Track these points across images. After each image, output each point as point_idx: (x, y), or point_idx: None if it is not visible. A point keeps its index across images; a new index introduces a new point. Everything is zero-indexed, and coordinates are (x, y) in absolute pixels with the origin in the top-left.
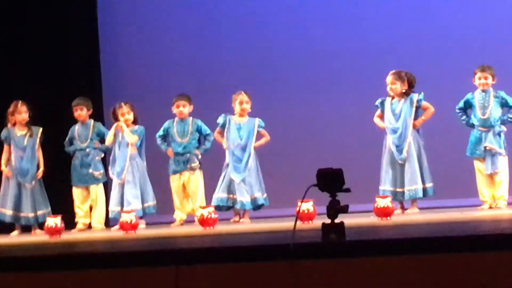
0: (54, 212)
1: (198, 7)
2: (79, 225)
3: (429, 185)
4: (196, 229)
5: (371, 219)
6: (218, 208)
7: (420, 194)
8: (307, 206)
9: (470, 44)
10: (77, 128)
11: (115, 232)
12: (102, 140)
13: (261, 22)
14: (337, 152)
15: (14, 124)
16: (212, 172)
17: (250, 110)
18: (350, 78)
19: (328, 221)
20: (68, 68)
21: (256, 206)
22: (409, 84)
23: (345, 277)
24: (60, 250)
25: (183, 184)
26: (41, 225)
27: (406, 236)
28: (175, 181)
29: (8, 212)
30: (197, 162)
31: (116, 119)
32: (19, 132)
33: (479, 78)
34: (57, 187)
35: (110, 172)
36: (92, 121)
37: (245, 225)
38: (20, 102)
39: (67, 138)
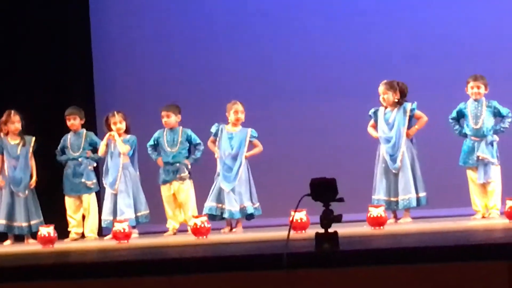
0: (47, 221)
1: (192, 16)
2: (72, 235)
3: (422, 194)
4: (189, 238)
5: (364, 229)
6: (209, 217)
7: (414, 204)
8: (300, 215)
9: (463, 53)
10: (69, 137)
11: (108, 242)
12: (94, 150)
13: (253, 32)
14: (330, 161)
15: (7, 134)
16: (205, 181)
17: (244, 120)
18: (344, 87)
19: (322, 230)
20: (61, 77)
21: (247, 216)
22: (401, 94)
23: (339, 287)
24: (53, 259)
25: (173, 194)
26: (34, 235)
27: (399, 245)
28: (165, 191)
29: (1, 221)
30: (186, 172)
31: (109, 127)
32: (12, 141)
33: (472, 87)
34: (50, 196)
35: (103, 182)
36: (84, 130)
37: (238, 234)
38: (13, 111)
39: (59, 147)
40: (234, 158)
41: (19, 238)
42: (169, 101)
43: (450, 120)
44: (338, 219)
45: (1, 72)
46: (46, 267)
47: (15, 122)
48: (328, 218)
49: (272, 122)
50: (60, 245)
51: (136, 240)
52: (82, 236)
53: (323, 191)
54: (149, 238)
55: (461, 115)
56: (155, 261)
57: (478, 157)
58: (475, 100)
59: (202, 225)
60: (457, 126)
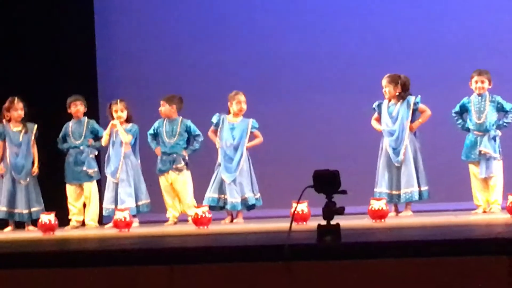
0: (48, 209)
1: (196, 5)
2: (73, 222)
3: (424, 188)
4: (189, 228)
5: (365, 221)
6: (211, 207)
7: (416, 197)
8: (302, 207)
9: (467, 47)
10: (71, 125)
11: (109, 230)
12: (96, 138)
13: (258, 23)
14: (332, 153)
15: (9, 120)
16: (205, 172)
17: (246, 110)
18: (348, 80)
19: (323, 222)
20: (64, 65)
21: (248, 207)
22: (403, 87)
23: (340, 279)
24: (53, 247)
25: (171, 184)
26: (34, 222)
27: (400, 239)
28: (163, 181)
29: (2, 208)
30: (183, 163)
31: (111, 115)
32: (14, 128)
33: (476, 82)
34: (51, 184)
35: (105, 171)
36: (86, 118)
37: (239, 225)
38: (16, 98)
39: (60, 135)
40: (236, 148)
41: (19, 225)
42: (172, 91)
43: (453, 114)
44: (341, 211)
45: (4, 60)
46: (47, 254)
47: (19, 109)
48: (330, 210)
49: (275, 113)
50: (61, 233)
51: (137, 229)
52: (83, 224)
53: (326, 183)
54: (150, 227)
55: (464, 110)
56: (155, 250)
57: (480, 151)
58: (479, 94)
59: (203, 215)
60: (460, 120)
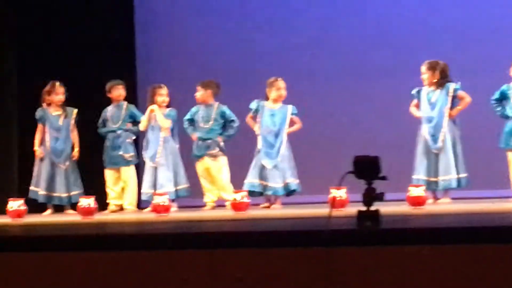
0: (87, 193)
1: None
2: (111, 207)
3: (463, 175)
4: (228, 213)
5: (404, 208)
6: (250, 193)
7: (454, 185)
8: (340, 193)
9: (508, 34)
10: (110, 109)
11: (147, 214)
12: (134, 122)
13: (297, 7)
14: (370, 140)
15: (49, 105)
16: (242, 157)
17: (285, 97)
18: (388, 65)
19: (363, 208)
20: (103, 50)
21: (289, 192)
22: (441, 74)
23: (379, 265)
24: (92, 230)
25: (207, 169)
26: (73, 206)
27: (438, 225)
28: (199, 166)
29: (41, 191)
30: (217, 149)
31: (153, 99)
32: (54, 112)
33: None
34: (91, 168)
35: (143, 155)
36: (125, 102)
37: (277, 210)
38: (58, 83)
39: (100, 120)
40: (276, 135)
41: (58, 209)
42: (209, 77)
43: (493, 102)
44: (381, 197)
45: (42, 44)
46: (85, 238)
47: (60, 93)
48: (370, 196)
49: (314, 99)
50: (99, 217)
51: (176, 213)
52: (121, 208)
53: (367, 168)
54: (188, 212)
55: (504, 97)
56: (195, 234)
57: None
58: None
59: (242, 200)
60: (499, 108)
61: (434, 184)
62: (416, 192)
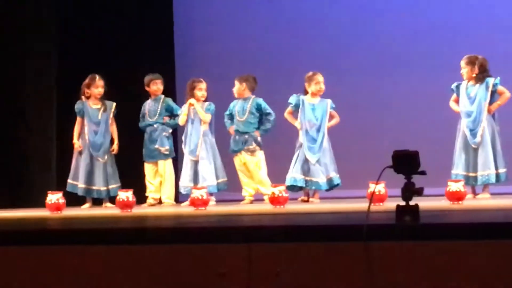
0: (125, 187)
1: None
2: (149, 200)
3: (502, 170)
4: (266, 207)
5: (443, 203)
6: (291, 188)
7: (493, 180)
8: (379, 188)
9: None
10: (148, 103)
11: (186, 208)
12: (171, 115)
13: (335, 4)
14: (410, 134)
15: (88, 98)
16: (280, 151)
17: (324, 91)
18: (427, 60)
19: (402, 203)
20: (143, 44)
21: (331, 187)
22: (480, 69)
23: (417, 260)
24: (130, 224)
25: (244, 164)
26: (111, 199)
27: (478, 221)
28: (236, 160)
29: (80, 185)
30: (254, 145)
31: (192, 92)
32: (94, 105)
33: None
34: (129, 161)
35: (182, 149)
36: (162, 96)
37: (316, 205)
38: (97, 76)
39: (140, 114)
40: (318, 129)
41: (97, 202)
42: (247, 71)
43: None
44: (420, 192)
45: (83, 38)
46: (124, 231)
47: (99, 86)
48: (409, 191)
49: (353, 94)
50: (138, 210)
51: (214, 207)
52: (159, 202)
53: (406, 163)
54: (226, 205)
55: None
56: (233, 228)
57: None
58: None
59: (280, 194)
60: None
61: (473, 179)
62: (455, 187)
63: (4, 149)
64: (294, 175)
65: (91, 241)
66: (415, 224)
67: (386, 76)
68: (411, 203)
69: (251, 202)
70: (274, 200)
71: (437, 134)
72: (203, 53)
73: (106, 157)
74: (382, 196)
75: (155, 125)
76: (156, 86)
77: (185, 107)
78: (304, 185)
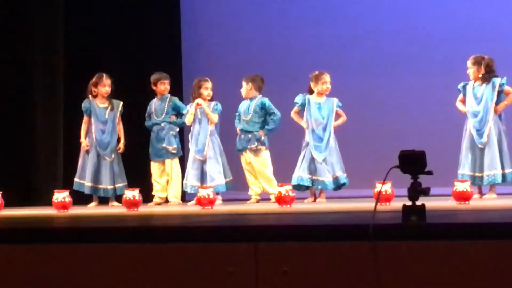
0: (132, 185)
1: None
2: (156, 199)
3: (508, 170)
4: (272, 206)
5: (449, 203)
6: (297, 187)
7: (499, 180)
8: (385, 187)
9: None
10: (154, 102)
11: (192, 207)
12: (178, 114)
13: (341, 3)
14: (416, 134)
15: (95, 96)
16: (286, 151)
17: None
18: (434, 60)
19: (408, 203)
20: (150, 43)
21: (338, 186)
22: (487, 69)
23: (423, 260)
24: (136, 222)
25: (250, 163)
26: (118, 198)
27: (485, 221)
28: (243, 159)
29: (87, 183)
30: (256, 144)
31: (198, 92)
32: (101, 104)
33: None
34: (136, 160)
35: (189, 148)
36: (169, 95)
37: (322, 204)
38: (105, 75)
39: (146, 113)
40: (324, 128)
41: (103, 201)
42: (254, 71)
43: None
44: (426, 192)
45: (90, 36)
46: (130, 230)
47: (106, 85)
48: (416, 191)
49: (359, 93)
50: (144, 209)
51: (220, 206)
52: (166, 201)
53: (412, 163)
54: (233, 204)
55: None
56: (240, 227)
57: None
58: None
59: (287, 194)
60: None
61: (479, 179)
62: (462, 187)
63: (11, 148)
64: (300, 174)
65: (98, 240)
66: (421, 224)
67: (394, 76)
68: (418, 203)
69: (258, 201)
70: (280, 199)
71: (444, 134)
72: (210, 52)
73: (113, 156)
74: (389, 195)
75: (162, 124)
76: (164, 86)
77: (191, 107)
78: (310, 185)
